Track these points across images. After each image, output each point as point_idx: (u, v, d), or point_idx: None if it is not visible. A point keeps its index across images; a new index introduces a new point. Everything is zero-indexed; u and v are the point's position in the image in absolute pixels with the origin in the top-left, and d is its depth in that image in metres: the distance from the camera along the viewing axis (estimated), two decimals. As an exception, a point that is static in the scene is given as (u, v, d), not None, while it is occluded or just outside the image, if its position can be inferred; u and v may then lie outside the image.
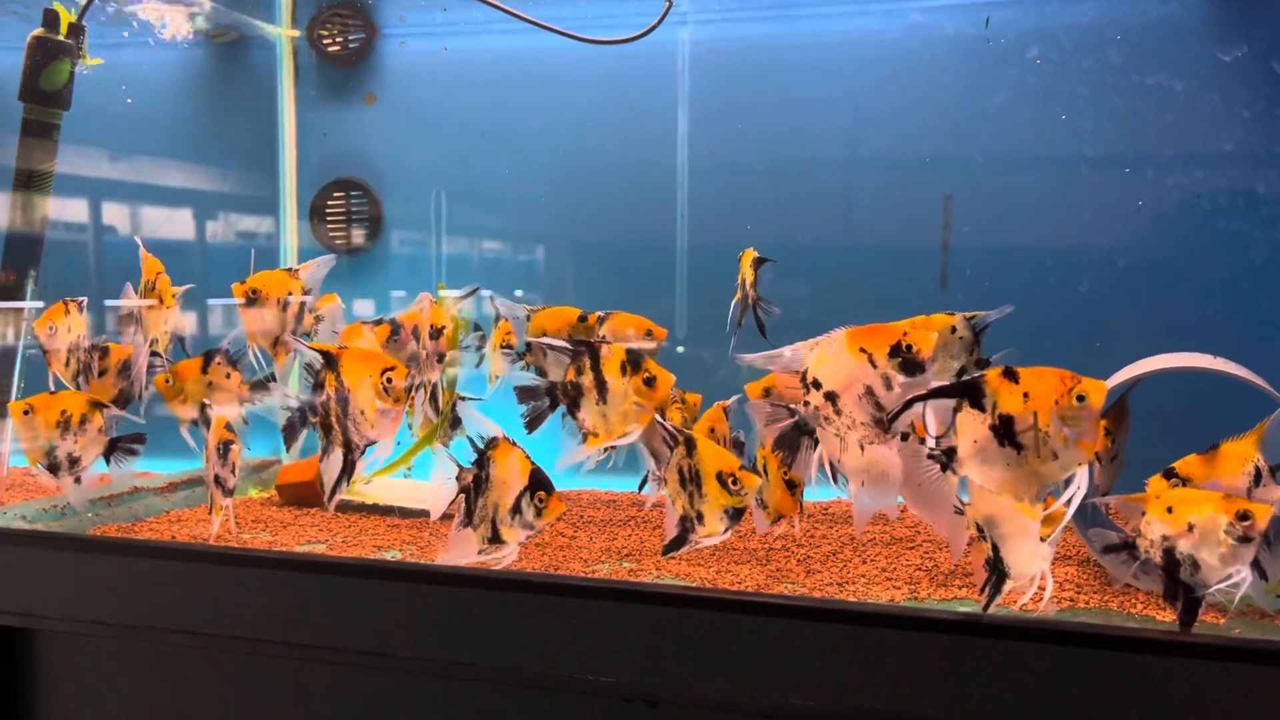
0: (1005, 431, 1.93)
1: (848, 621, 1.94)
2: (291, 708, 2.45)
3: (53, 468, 2.86)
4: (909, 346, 2.06)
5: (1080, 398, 1.86)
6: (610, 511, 3.23)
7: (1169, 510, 1.89)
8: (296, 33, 3.93)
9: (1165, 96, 3.16)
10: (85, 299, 2.98)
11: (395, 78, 3.89)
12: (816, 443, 2.20)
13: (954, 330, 2.55)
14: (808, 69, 3.55)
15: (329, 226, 3.94)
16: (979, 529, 2.04)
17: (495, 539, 2.38)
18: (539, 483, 2.33)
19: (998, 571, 2.01)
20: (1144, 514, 1.96)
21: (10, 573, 2.57)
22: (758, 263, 2.92)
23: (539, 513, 2.33)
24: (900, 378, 2.07)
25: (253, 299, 2.69)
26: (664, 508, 2.78)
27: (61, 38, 3.15)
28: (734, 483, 2.19)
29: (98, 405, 2.86)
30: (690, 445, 2.27)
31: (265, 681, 2.47)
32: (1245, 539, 1.82)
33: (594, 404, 2.36)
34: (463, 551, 2.40)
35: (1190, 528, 1.86)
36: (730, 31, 3.65)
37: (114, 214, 4.04)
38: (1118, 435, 2.46)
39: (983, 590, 2.04)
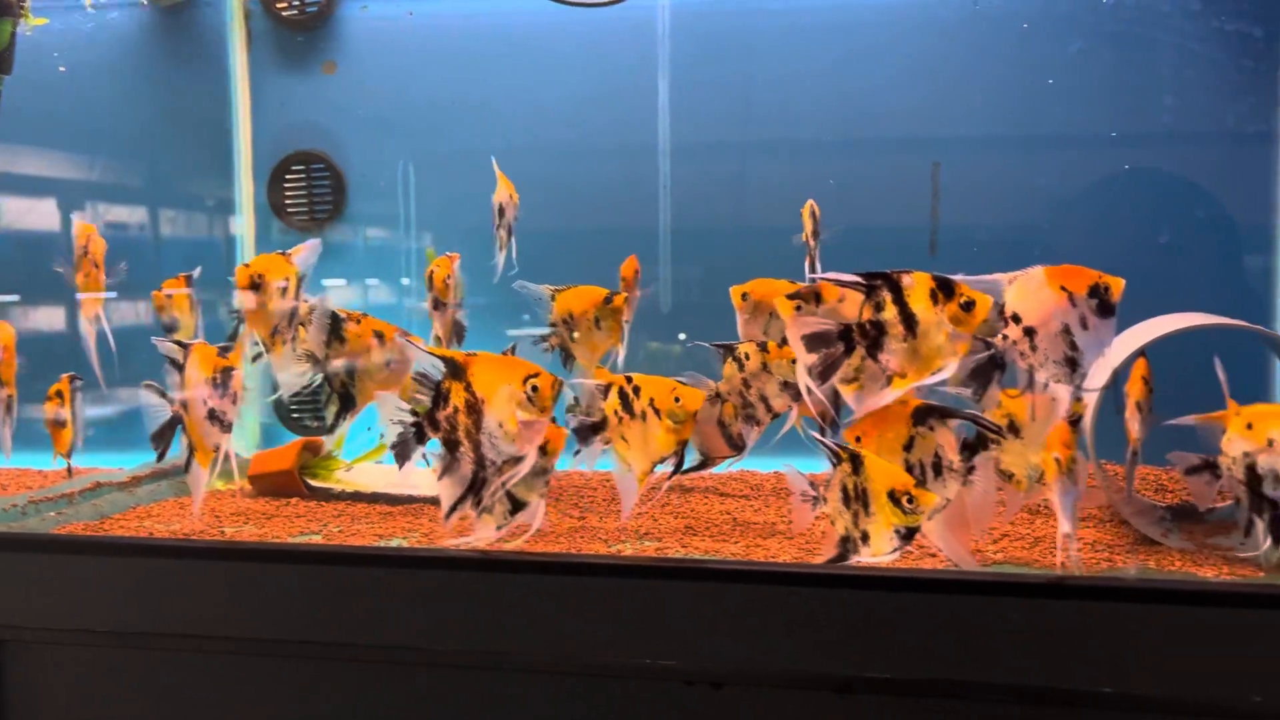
0: None
1: (924, 590, 1.90)
2: (314, 714, 2.28)
3: None
4: (1106, 288, 2.05)
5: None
6: (608, 490, 3.13)
7: (1249, 426, 1.94)
8: (249, -5, 3.68)
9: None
10: None
11: (357, 44, 3.68)
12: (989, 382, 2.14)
13: None
14: (797, 36, 3.49)
15: (288, 202, 3.71)
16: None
17: (516, 507, 2.35)
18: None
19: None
20: (1224, 432, 2.01)
21: (-23, 580, 2.34)
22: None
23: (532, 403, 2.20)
24: (1095, 319, 2.06)
25: (257, 284, 2.45)
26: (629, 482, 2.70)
27: (1, -5, 2.86)
28: (909, 501, 2.03)
29: None
30: (856, 462, 2.10)
31: (286, 686, 2.29)
32: None
33: (900, 340, 2.12)
34: (483, 534, 2.34)
35: (1270, 443, 1.89)
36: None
37: (47, 194, 3.73)
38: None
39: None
